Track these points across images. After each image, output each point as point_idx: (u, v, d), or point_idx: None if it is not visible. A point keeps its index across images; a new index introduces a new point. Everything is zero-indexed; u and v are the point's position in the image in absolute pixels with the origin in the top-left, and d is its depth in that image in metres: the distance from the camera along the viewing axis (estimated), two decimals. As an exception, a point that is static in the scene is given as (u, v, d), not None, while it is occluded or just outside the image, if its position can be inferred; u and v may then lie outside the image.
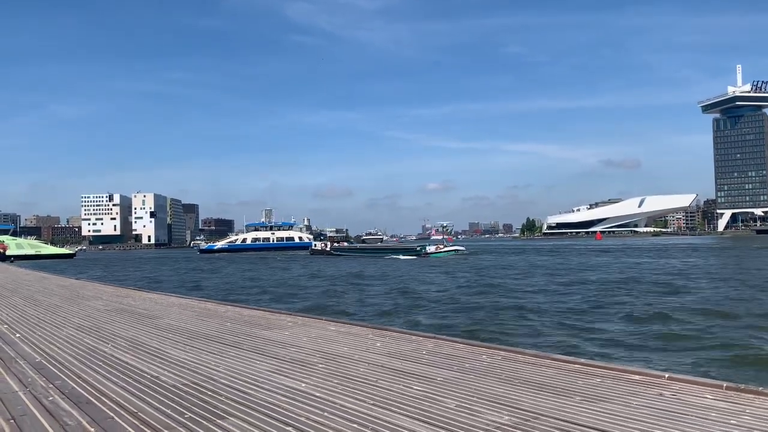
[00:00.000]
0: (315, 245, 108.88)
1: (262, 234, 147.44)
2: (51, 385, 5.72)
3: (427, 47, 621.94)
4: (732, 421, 4.24)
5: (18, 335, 9.18)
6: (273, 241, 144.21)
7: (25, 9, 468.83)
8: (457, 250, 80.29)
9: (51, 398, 5.24)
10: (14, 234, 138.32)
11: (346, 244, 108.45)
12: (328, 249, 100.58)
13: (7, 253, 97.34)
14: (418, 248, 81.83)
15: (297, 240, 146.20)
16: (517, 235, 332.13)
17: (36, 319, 11.30)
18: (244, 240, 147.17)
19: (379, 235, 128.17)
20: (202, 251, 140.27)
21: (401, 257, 74.71)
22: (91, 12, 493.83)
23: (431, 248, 78.20)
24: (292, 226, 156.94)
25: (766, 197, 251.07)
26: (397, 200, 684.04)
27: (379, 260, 71.58)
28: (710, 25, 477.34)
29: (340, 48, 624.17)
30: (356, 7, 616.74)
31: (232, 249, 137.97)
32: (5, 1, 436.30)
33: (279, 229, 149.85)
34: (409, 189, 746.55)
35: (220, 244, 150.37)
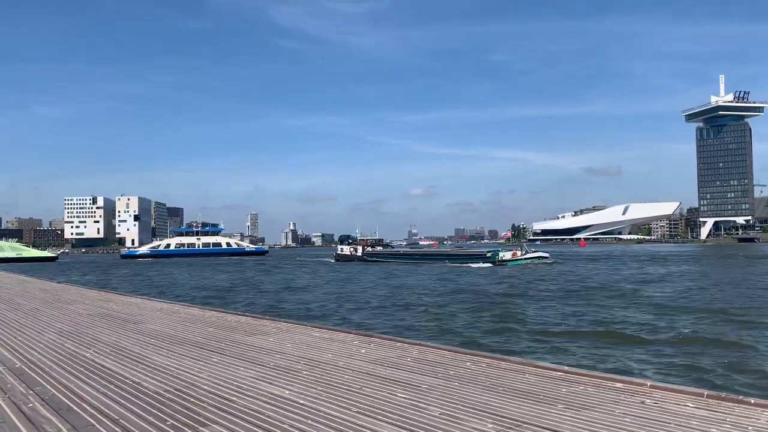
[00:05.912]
0: (341, 249, 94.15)
1: (186, 239, 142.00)
2: (31, 392, 5.64)
3: (413, 53, 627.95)
4: (713, 430, 4.28)
5: (-3, 340, 9.04)
6: (198, 246, 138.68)
7: (8, 9, 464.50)
8: (541, 257, 65.64)
9: (30, 405, 5.17)
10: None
11: (380, 248, 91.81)
12: (359, 254, 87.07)
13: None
14: (489, 254, 68.06)
15: (224, 246, 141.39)
16: (502, 241, 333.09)
17: (16, 324, 11.14)
18: (167, 245, 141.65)
19: None
20: (124, 256, 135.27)
21: (471, 265, 61.99)
22: (76, 13, 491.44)
23: (507, 254, 65.71)
24: (219, 232, 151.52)
25: (747, 206, 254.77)
26: (382, 205, 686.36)
27: (435, 269, 58.33)
28: (694, 34, 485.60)
29: (326, 52, 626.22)
30: (342, 11, 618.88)
31: (154, 255, 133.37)
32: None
33: (205, 235, 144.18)
34: (394, 194, 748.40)
35: (142, 249, 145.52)
